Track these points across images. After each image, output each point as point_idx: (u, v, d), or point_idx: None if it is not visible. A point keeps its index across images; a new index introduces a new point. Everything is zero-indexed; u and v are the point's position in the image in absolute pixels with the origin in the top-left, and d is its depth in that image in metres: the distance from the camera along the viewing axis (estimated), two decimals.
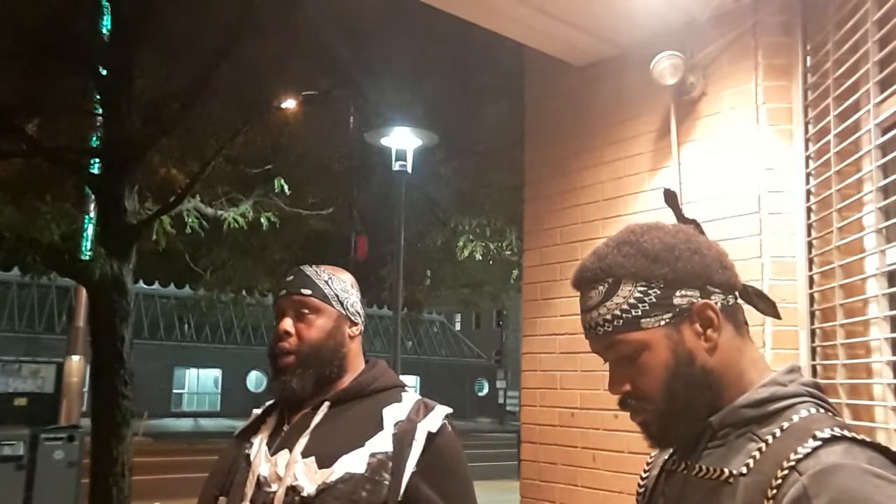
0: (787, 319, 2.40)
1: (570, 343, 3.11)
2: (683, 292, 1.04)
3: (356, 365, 1.75)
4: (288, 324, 1.68)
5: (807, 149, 2.46)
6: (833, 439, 0.92)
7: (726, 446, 1.02)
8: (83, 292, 9.35)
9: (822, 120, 2.39)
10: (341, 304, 1.71)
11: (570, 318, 3.12)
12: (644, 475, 1.22)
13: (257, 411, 1.80)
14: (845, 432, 0.93)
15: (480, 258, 10.73)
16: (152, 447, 17.41)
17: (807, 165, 2.46)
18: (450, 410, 1.68)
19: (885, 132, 2.11)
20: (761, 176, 2.52)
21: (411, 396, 1.69)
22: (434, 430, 1.60)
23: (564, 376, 3.13)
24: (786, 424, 0.97)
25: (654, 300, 1.04)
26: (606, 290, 1.06)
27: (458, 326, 45.68)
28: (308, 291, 1.69)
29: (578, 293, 1.11)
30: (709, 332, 1.04)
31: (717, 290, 1.06)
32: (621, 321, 1.05)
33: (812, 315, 2.37)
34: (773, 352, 2.34)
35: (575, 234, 3.15)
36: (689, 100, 2.75)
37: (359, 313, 1.76)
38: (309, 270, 1.74)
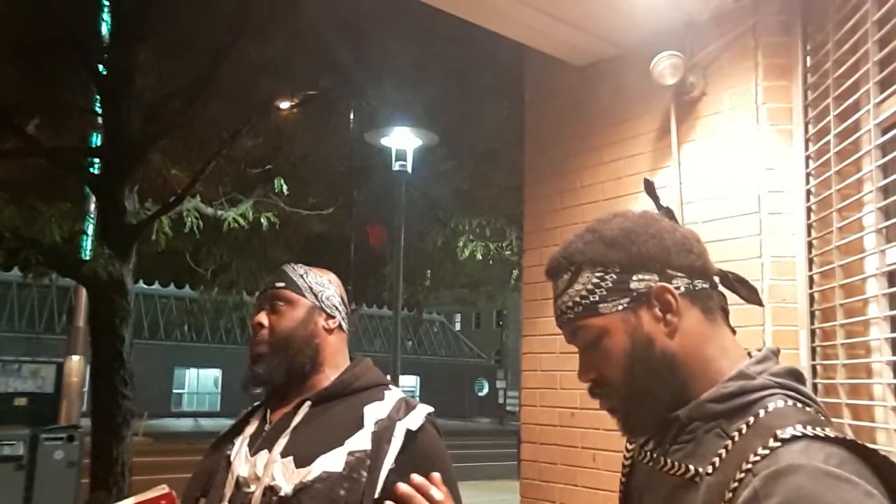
0: (787, 319, 2.40)
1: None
2: (640, 276, 1.04)
3: (337, 361, 1.74)
4: (262, 317, 1.71)
5: (807, 149, 2.46)
6: (793, 439, 0.90)
7: (694, 442, 1.00)
8: (83, 292, 9.34)
9: (822, 120, 2.39)
10: (315, 295, 1.73)
11: None
12: (625, 462, 1.21)
13: (244, 412, 1.80)
14: (807, 429, 0.90)
15: (480, 258, 10.73)
16: (152, 447, 17.41)
17: (807, 165, 2.46)
18: (431, 409, 1.67)
19: (885, 132, 2.11)
20: (761, 176, 2.52)
21: (394, 395, 1.68)
22: (414, 428, 1.59)
23: (564, 376, 3.13)
24: (751, 420, 0.96)
25: (610, 285, 1.04)
26: (569, 278, 1.07)
27: (458, 326, 45.67)
28: (282, 284, 1.73)
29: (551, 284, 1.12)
30: (668, 316, 1.03)
31: (678, 273, 1.04)
32: (581, 307, 1.05)
33: (812, 315, 2.37)
34: None
35: None
36: (689, 100, 2.75)
37: (336, 307, 1.76)
38: (287, 267, 1.78)
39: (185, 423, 27.51)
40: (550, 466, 3.13)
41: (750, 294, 1.13)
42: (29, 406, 9.58)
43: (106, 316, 6.21)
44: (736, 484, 0.90)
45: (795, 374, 1.03)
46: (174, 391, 31.41)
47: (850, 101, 2.23)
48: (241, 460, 1.62)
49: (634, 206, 2.92)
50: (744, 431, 0.95)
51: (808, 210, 2.43)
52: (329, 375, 1.71)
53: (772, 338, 2.37)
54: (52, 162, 6.94)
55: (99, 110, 6.84)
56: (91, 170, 6.88)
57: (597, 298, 1.04)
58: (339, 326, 1.76)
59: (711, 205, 2.64)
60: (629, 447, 1.21)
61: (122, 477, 6.11)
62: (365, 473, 1.53)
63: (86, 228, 8.35)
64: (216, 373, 31.80)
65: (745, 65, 2.60)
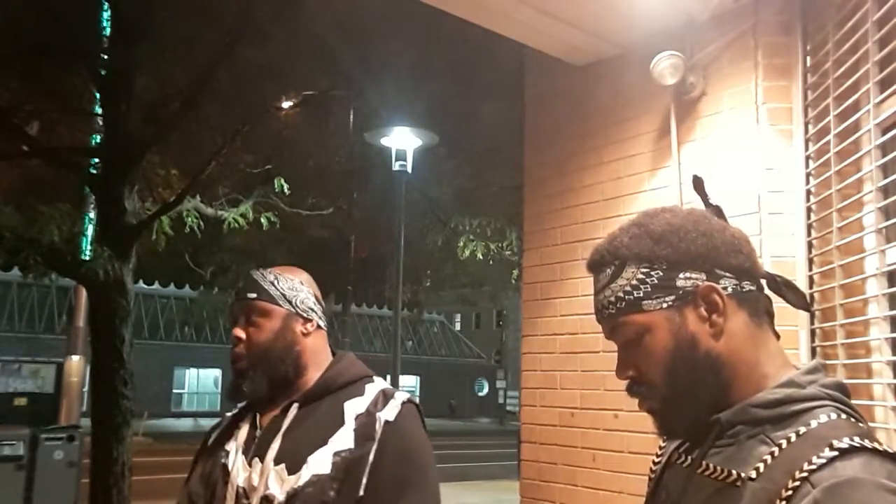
0: (788, 319, 2.39)
1: (570, 343, 3.11)
2: (687, 274, 1.01)
3: (319, 361, 1.74)
4: (238, 330, 1.70)
5: (807, 149, 2.46)
6: (851, 450, 0.87)
7: (736, 446, 0.97)
8: (83, 292, 9.35)
9: (822, 120, 2.39)
10: (289, 302, 1.71)
11: (570, 318, 3.12)
12: (656, 460, 1.19)
13: (229, 415, 1.81)
14: (865, 442, 0.88)
15: (481, 258, 10.73)
16: (152, 447, 17.40)
17: (807, 165, 2.46)
18: (408, 396, 1.68)
19: (885, 132, 2.11)
20: (761, 176, 2.52)
21: (375, 387, 1.69)
22: (391, 419, 1.61)
23: (564, 376, 3.13)
24: (802, 430, 0.92)
25: (655, 282, 1.02)
26: (613, 272, 1.05)
27: (458, 326, 45.69)
28: (254, 295, 1.71)
29: (592, 277, 1.10)
30: (714, 316, 1.00)
31: (726, 274, 1.02)
32: (624, 303, 1.03)
33: (812, 315, 2.37)
34: None
35: (575, 234, 3.15)
36: (689, 100, 2.75)
37: (312, 309, 1.75)
38: (256, 274, 1.75)
39: (185, 423, 27.50)
40: (550, 466, 3.13)
41: (797, 298, 1.11)
42: (29, 406, 9.58)
43: (106, 316, 6.21)
44: (790, 492, 0.87)
45: (844, 389, 1.00)
46: (174, 391, 31.43)
47: (850, 101, 2.23)
48: (238, 470, 1.63)
49: (634, 207, 2.93)
50: (793, 440, 0.92)
51: (808, 210, 2.43)
52: (314, 376, 1.71)
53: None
54: (52, 162, 6.93)
55: (99, 110, 6.84)
56: (91, 170, 6.87)
57: (641, 295, 1.02)
58: (318, 326, 1.76)
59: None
60: (660, 448, 1.20)
61: (122, 477, 6.10)
62: (351, 472, 1.55)
63: (85, 229, 8.36)
64: (216, 373, 31.81)
65: (745, 65, 2.60)
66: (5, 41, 5.99)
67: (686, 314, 1.01)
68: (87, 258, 7.24)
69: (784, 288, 1.10)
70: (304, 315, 1.73)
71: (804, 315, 2.38)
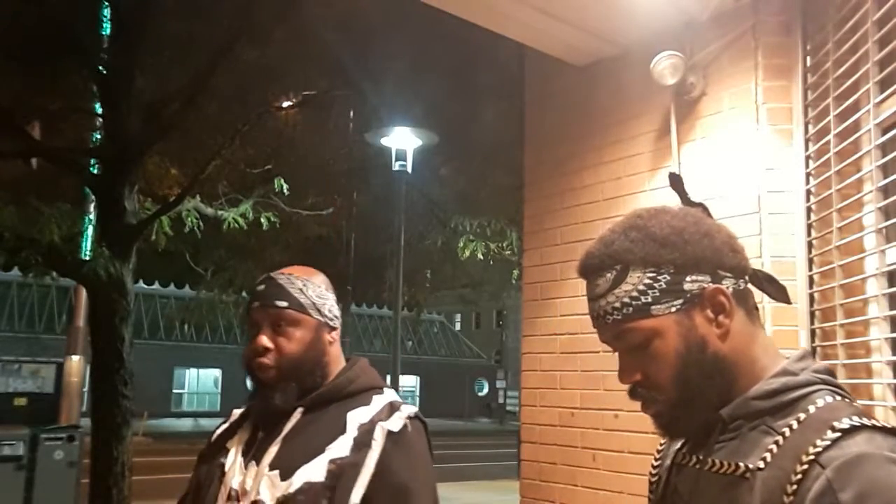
0: (787, 319, 2.39)
1: (570, 343, 3.11)
2: (694, 277, 1.01)
3: (336, 368, 1.70)
4: (265, 338, 1.62)
5: (807, 149, 2.46)
6: (853, 429, 0.90)
7: (739, 439, 0.99)
8: (83, 292, 9.34)
9: (822, 120, 2.39)
10: (318, 310, 1.65)
11: (570, 318, 3.12)
12: (656, 463, 1.19)
13: (237, 412, 1.77)
14: (864, 420, 0.91)
15: (481, 258, 10.73)
16: (152, 447, 17.41)
17: (807, 165, 2.46)
18: (414, 409, 1.64)
19: (885, 132, 2.11)
20: (761, 176, 2.52)
21: (384, 398, 1.64)
22: (396, 429, 1.57)
23: (564, 376, 3.13)
24: (802, 416, 0.95)
25: (664, 286, 1.01)
26: (615, 277, 1.03)
27: (458, 326, 45.70)
28: (284, 304, 1.62)
29: (585, 281, 1.08)
30: (720, 317, 1.01)
31: (728, 274, 1.03)
32: (630, 308, 1.01)
33: (812, 315, 2.37)
34: None
35: (575, 234, 3.15)
36: (689, 100, 2.75)
37: (336, 317, 1.70)
38: (282, 279, 1.66)
39: (185, 423, 27.51)
40: (550, 466, 3.13)
41: (778, 292, 1.11)
42: (29, 406, 9.58)
43: (106, 316, 6.21)
44: (799, 476, 0.89)
45: (833, 372, 1.03)
46: (174, 391, 31.43)
47: (850, 101, 2.23)
48: (235, 471, 1.60)
49: (634, 207, 2.92)
50: (794, 427, 0.94)
51: (808, 210, 2.43)
52: (327, 382, 1.67)
53: (772, 337, 2.37)
54: (52, 162, 6.94)
55: (99, 110, 6.84)
56: (91, 170, 6.88)
57: (649, 300, 1.01)
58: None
59: (711, 205, 2.63)
60: (658, 452, 1.20)
61: (122, 477, 6.11)
62: (345, 481, 1.50)
63: (85, 228, 8.36)
64: (216, 373, 31.81)
65: (745, 65, 2.60)
66: (6, 41, 5.99)
67: (694, 317, 1.01)
68: (87, 258, 7.25)
69: (765, 282, 1.11)
70: (331, 324, 1.68)
71: (804, 315, 2.38)
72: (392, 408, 1.61)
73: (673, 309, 1.01)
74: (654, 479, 1.19)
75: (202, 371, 32.05)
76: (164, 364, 29.06)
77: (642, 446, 2.73)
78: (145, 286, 28.34)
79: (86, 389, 7.95)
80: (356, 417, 1.59)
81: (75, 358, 9.87)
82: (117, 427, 6.12)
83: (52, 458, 7.98)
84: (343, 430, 1.57)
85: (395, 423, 1.58)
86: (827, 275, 2.33)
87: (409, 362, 32.12)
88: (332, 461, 1.52)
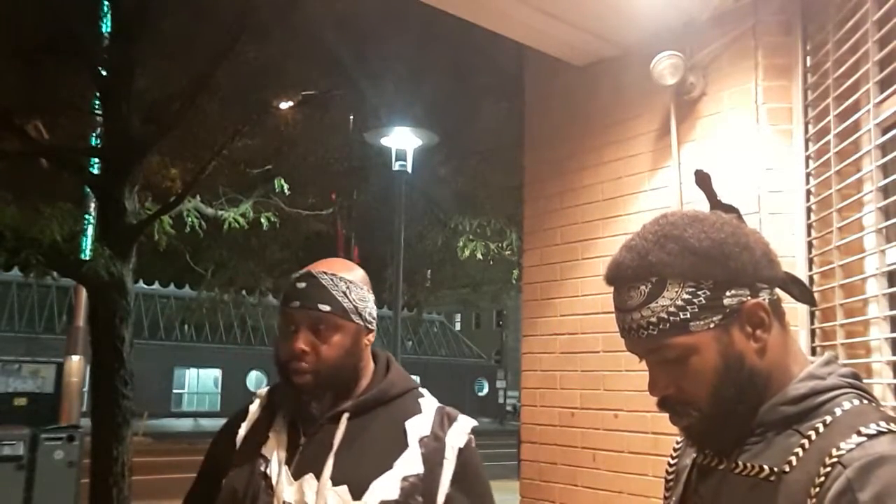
0: (788, 319, 2.39)
1: (570, 343, 3.11)
2: (733, 292, 0.98)
3: (368, 368, 1.64)
4: (304, 341, 1.53)
5: (807, 149, 2.46)
6: (878, 434, 0.89)
7: (765, 442, 0.98)
8: (83, 292, 9.35)
9: (822, 120, 2.39)
10: (360, 315, 1.58)
11: (570, 318, 3.12)
12: (672, 461, 1.18)
13: (253, 408, 1.67)
14: (891, 426, 0.90)
15: (481, 258, 10.73)
16: (152, 447, 17.42)
17: (807, 165, 2.46)
18: (474, 423, 1.62)
19: (885, 132, 2.11)
20: (761, 176, 2.52)
21: (429, 404, 1.62)
22: (462, 445, 1.57)
23: (564, 376, 3.12)
24: (829, 419, 0.94)
25: (703, 302, 0.97)
26: (650, 291, 0.98)
27: (458, 326, 45.69)
28: (327, 308, 1.53)
29: (612, 289, 1.04)
30: (758, 332, 0.99)
31: (764, 286, 1.00)
32: (668, 324, 0.98)
33: (812, 315, 2.37)
34: None
35: (575, 234, 3.15)
36: (689, 100, 2.75)
37: (374, 318, 1.63)
38: (325, 279, 1.56)
39: (185, 423, 27.52)
40: (550, 466, 3.13)
41: (803, 294, 1.09)
42: (29, 406, 9.60)
43: (106, 316, 6.21)
44: (822, 478, 0.88)
45: (859, 376, 1.02)
46: (174, 391, 31.42)
47: (850, 101, 2.23)
48: (285, 484, 1.51)
49: (634, 207, 2.93)
50: (821, 430, 0.93)
51: (808, 210, 2.43)
52: (363, 384, 1.62)
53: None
54: (52, 162, 6.94)
55: (99, 110, 6.84)
56: (91, 170, 6.88)
57: (688, 316, 0.97)
58: None
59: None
60: (675, 451, 1.19)
61: (122, 477, 6.10)
62: (420, 499, 1.49)
63: (86, 228, 8.36)
64: (216, 373, 31.82)
65: (745, 65, 2.60)
66: (6, 40, 5.99)
67: (732, 333, 0.99)
68: (88, 258, 7.24)
69: (791, 285, 1.08)
70: (370, 327, 1.61)
71: (804, 315, 2.38)
72: (444, 416, 1.60)
73: (711, 325, 0.98)
74: (670, 478, 1.18)
75: (202, 371, 32.05)
76: (164, 364, 29.06)
77: (642, 446, 2.73)
78: (145, 286, 28.32)
79: (86, 389, 7.96)
80: (415, 429, 1.56)
81: (75, 358, 9.88)
82: (117, 427, 6.12)
83: (52, 458, 7.99)
84: (406, 443, 1.54)
85: (460, 438, 1.58)
86: (827, 275, 2.33)
87: (409, 362, 32.09)
88: (404, 478, 1.49)
